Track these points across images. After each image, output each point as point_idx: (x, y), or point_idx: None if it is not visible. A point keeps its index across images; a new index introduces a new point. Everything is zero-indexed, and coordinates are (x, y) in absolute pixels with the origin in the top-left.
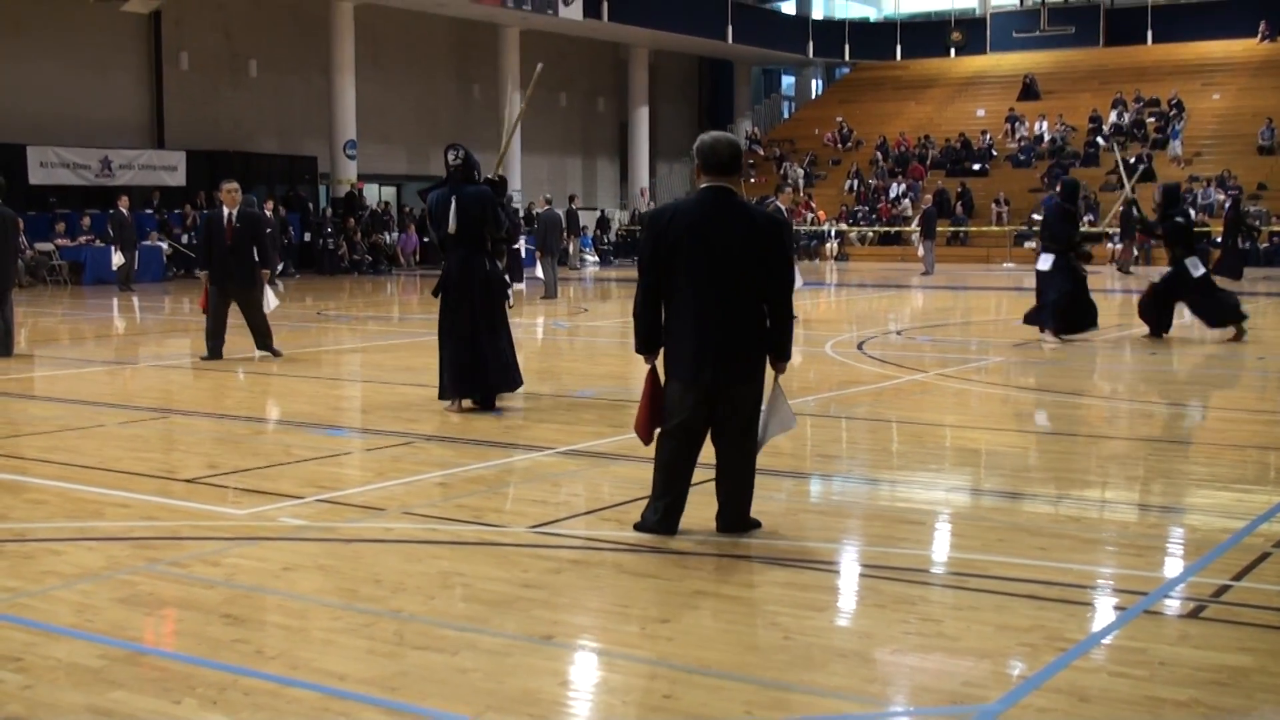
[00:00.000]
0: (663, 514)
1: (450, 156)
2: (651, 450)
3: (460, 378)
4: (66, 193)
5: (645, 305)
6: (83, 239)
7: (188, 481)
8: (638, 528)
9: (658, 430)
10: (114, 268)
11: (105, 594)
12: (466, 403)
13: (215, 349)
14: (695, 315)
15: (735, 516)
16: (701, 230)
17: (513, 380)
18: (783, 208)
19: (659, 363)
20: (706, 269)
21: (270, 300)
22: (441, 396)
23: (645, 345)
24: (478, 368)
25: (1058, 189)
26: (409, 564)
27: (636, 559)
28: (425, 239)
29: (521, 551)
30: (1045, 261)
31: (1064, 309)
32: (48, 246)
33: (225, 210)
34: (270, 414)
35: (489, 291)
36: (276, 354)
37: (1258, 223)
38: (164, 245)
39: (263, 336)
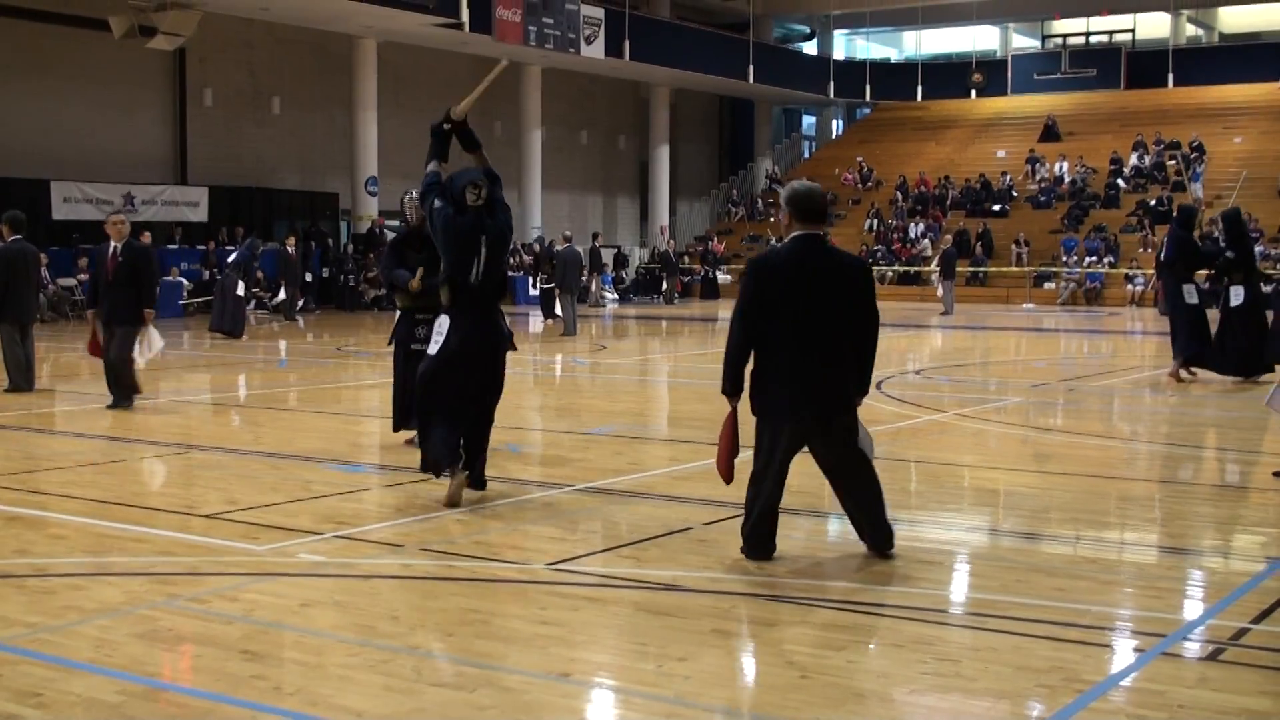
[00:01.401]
0: (764, 540)
1: (470, 196)
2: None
3: (450, 450)
4: (90, 228)
5: (742, 349)
6: None
7: (207, 517)
8: (746, 553)
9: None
10: None
11: (124, 629)
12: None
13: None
14: (793, 357)
15: (885, 532)
16: (801, 277)
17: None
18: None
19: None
20: (806, 313)
21: (155, 342)
22: (429, 468)
23: (736, 387)
24: (464, 444)
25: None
26: (427, 600)
27: (654, 597)
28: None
29: (539, 589)
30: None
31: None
32: (70, 281)
33: (111, 244)
34: (289, 450)
35: (500, 366)
36: (124, 405)
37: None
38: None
39: (118, 382)
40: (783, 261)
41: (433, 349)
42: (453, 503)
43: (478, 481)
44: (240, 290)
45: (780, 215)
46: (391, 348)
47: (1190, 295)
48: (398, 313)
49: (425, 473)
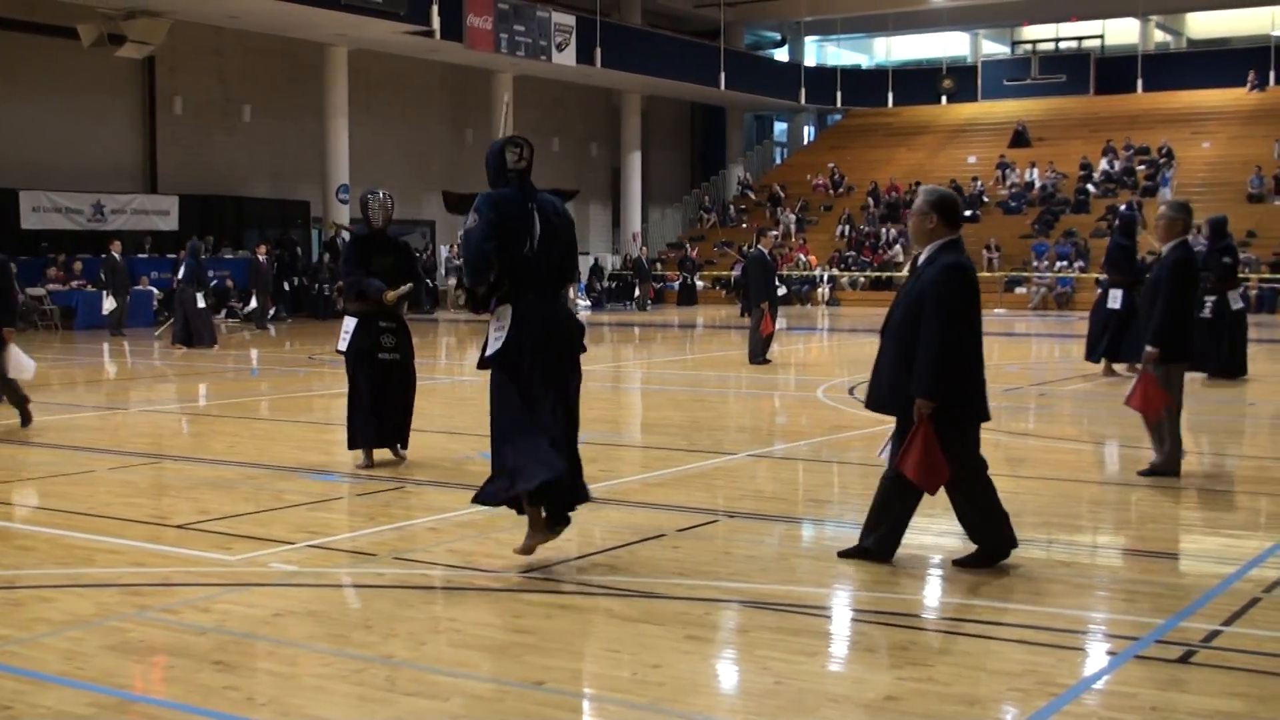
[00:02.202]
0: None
1: (511, 156)
2: (690, 492)
3: (553, 496)
4: (59, 237)
5: (959, 353)
6: (74, 283)
7: (178, 527)
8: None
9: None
10: (105, 312)
11: (95, 641)
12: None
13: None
14: (977, 359)
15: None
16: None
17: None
18: (765, 252)
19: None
20: (979, 315)
21: (23, 365)
22: (482, 500)
23: (948, 392)
24: (570, 477)
25: (1116, 223)
26: (400, 609)
27: (628, 604)
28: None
29: (513, 597)
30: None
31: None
32: (39, 291)
33: None
34: (261, 459)
35: (578, 361)
36: (25, 423)
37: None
38: None
39: (18, 400)
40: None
41: (494, 348)
42: (528, 550)
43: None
44: (201, 302)
45: (917, 220)
46: (342, 356)
47: (1114, 300)
48: (350, 319)
49: (499, 504)
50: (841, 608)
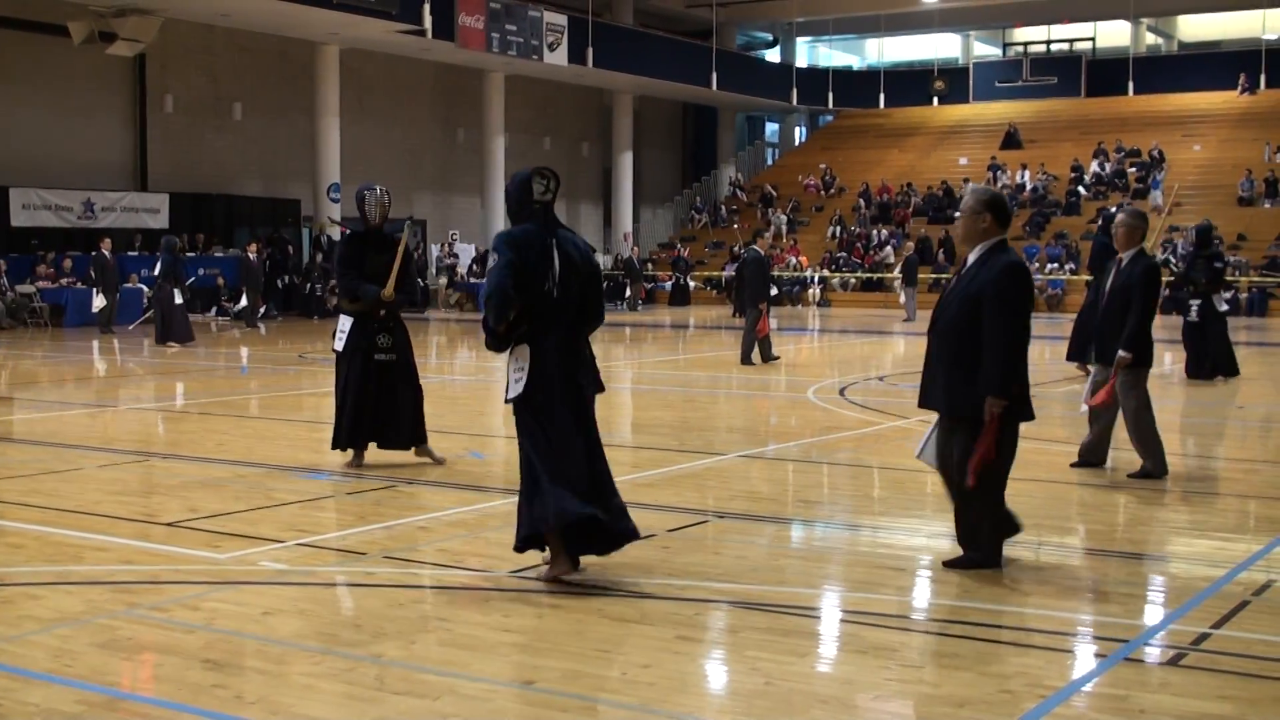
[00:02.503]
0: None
1: (538, 187)
2: (680, 492)
3: (574, 531)
4: (49, 234)
5: (1023, 352)
6: (64, 281)
7: (168, 525)
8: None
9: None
10: (95, 310)
11: (84, 639)
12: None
13: None
14: (1027, 360)
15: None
16: None
17: (634, 525)
18: (761, 252)
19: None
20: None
21: None
22: (520, 548)
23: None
24: (599, 509)
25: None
26: (390, 608)
27: (618, 604)
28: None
29: (503, 596)
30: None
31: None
32: (29, 288)
33: None
34: (251, 457)
35: (593, 396)
36: None
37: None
38: None
39: None
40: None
41: (515, 391)
42: (551, 580)
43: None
44: (179, 299)
45: (970, 220)
46: (334, 355)
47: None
48: (346, 318)
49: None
50: (831, 609)
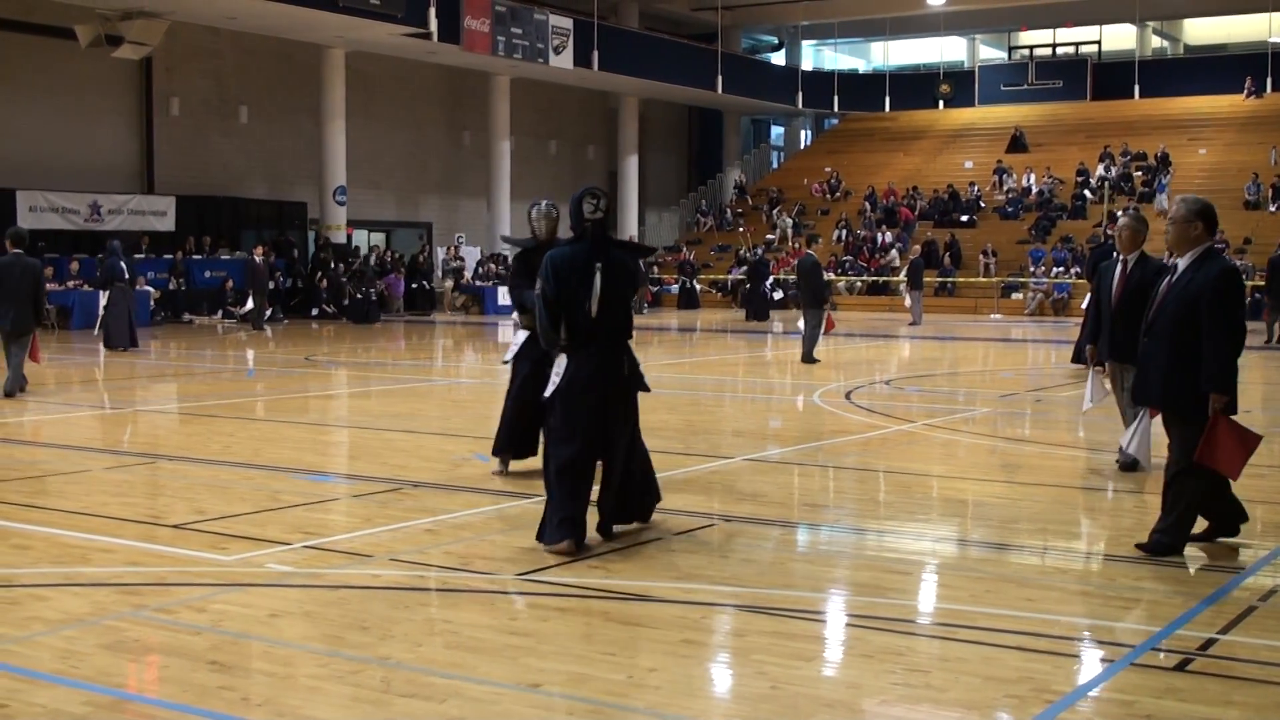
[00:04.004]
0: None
1: (588, 207)
2: (687, 496)
3: (565, 516)
4: (55, 237)
5: (1240, 351)
6: (71, 284)
7: (174, 527)
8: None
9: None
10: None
11: (90, 640)
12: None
13: None
14: None
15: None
16: None
17: (653, 502)
18: (815, 256)
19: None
20: None
21: None
22: (541, 538)
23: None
24: (623, 492)
25: None
26: (396, 611)
27: (624, 607)
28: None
29: (509, 599)
30: None
31: None
32: None
33: None
34: (257, 460)
35: (629, 401)
36: None
37: None
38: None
39: None
40: None
41: (549, 391)
42: (567, 552)
43: (637, 517)
44: (104, 301)
45: (1182, 228)
46: (508, 366)
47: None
48: (522, 332)
49: (540, 541)
50: (837, 613)
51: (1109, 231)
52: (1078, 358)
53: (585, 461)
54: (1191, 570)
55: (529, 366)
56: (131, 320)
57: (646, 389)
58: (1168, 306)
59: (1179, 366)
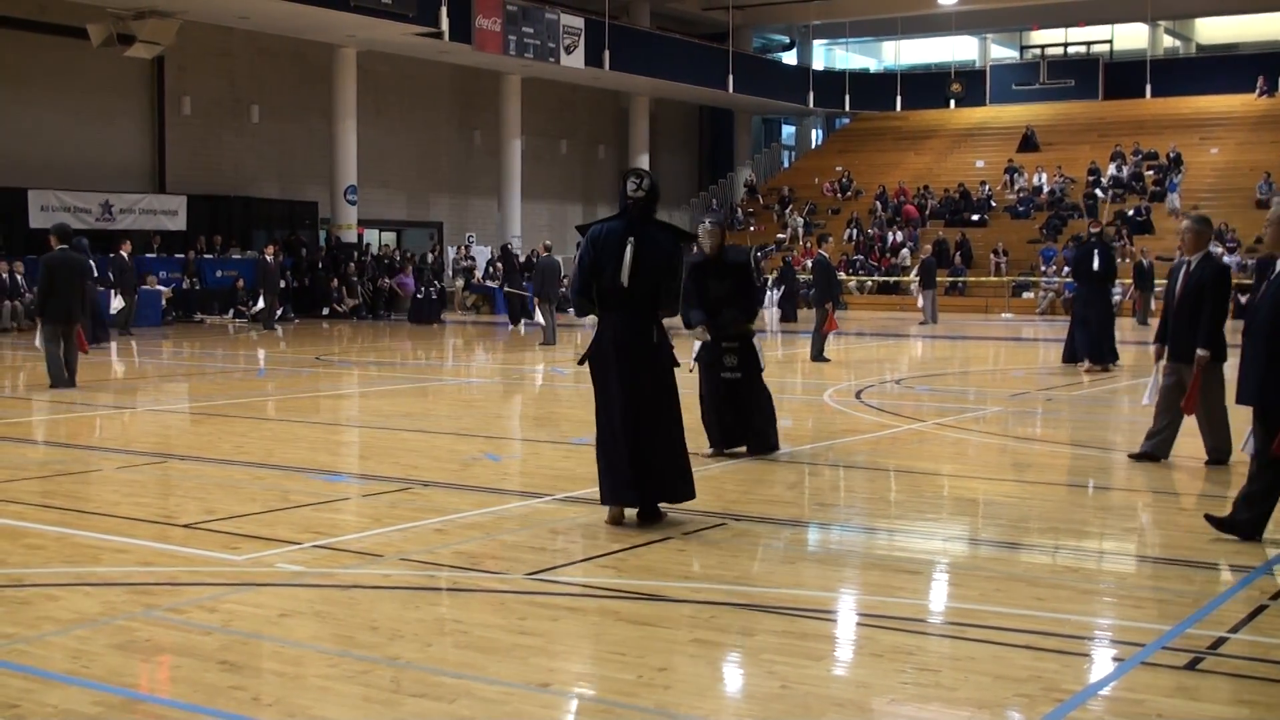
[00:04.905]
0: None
1: (630, 185)
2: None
3: (614, 479)
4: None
5: None
6: None
7: (185, 527)
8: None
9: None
10: (113, 311)
11: (102, 640)
12: (631, 512)
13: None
14: None
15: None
16: None
17: (684, 490)
18: (827, 256)
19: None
20: None
21: None
22: (603, 501)
23: None
24: (636, 467)
25: None
26: (406, 610)
27: (634, 606)
28: (561, 293)
29: (519, 598)
30: None
31: None
32: None
33: None
34: (269, 459)
35: (656, 368)
36: None
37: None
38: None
39: None
40: None
41: (582, 354)
42: (614, 520)
43: (678, 495)
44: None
45: (1277, 228)
46: (693, 370)
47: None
48: (696, 341)
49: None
50: (847, 612)
51: (1092, 230)
52: (1070, 358)
53: (622, 429)
54: (1202, 569)
55: (706, 373)
56: (98, 317)
57: (676, 364)
58: (1262, 307)
59: (1275, 368)
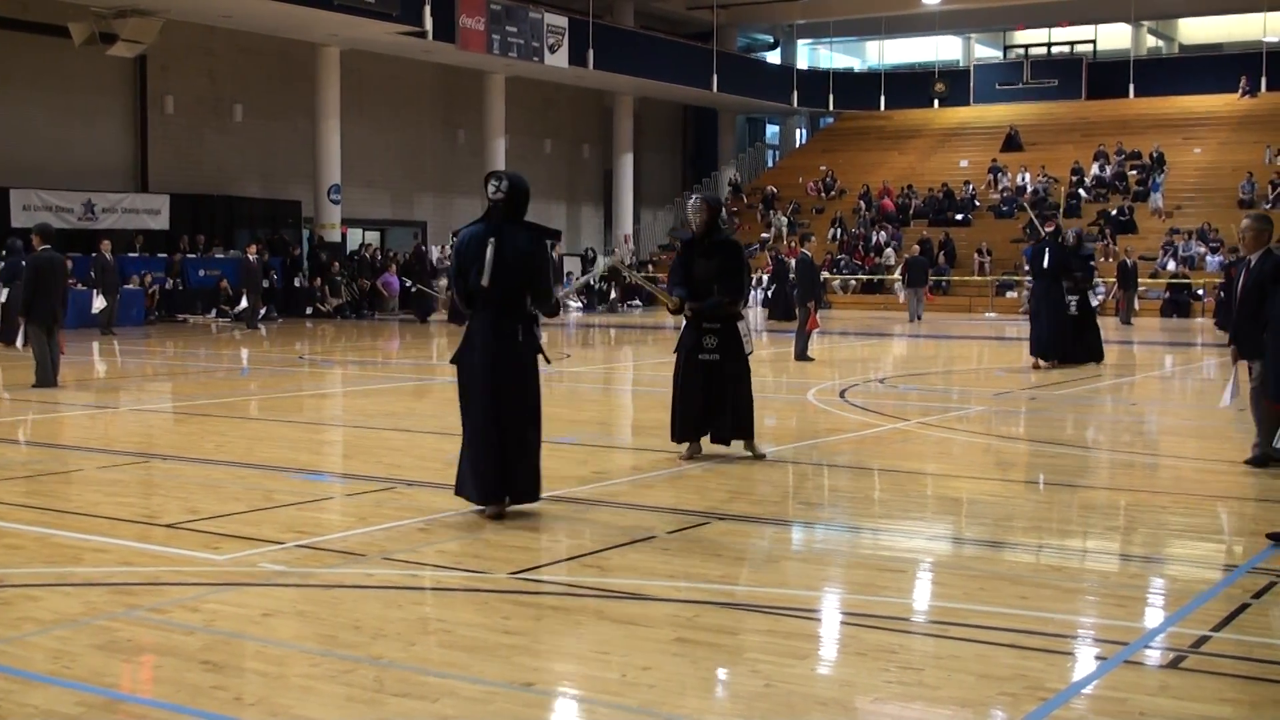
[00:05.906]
0: None
1: (491, 187)
2: (680, 494)
3: (478, 477)
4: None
5: None
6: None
7: (167, 526)
8: None
9: None
10: (95, 311)
11: (83, 640)
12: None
13: None
14: None
15: None
16: None
17: (534, 491)
18: (809, 255)
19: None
20: None
21: None
22: (477, 501)
23: None
24: (498, 464)
25: None
26: (389, 610)
27: (618, 605)
28: (446, 292)
29: (502, 598)
30: None
31: None
32: None
33: None
34: (251, 459)
35: (519, 368)
36: None
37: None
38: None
39: None
40: None
41: (451, 354)
42: (494, 516)
43: (522, 496)
44: (2, 297)
45: None
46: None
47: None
48: (684, 320)
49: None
50: (831, 611)
51: (1047, 229)
52: (1043, 353)
53: (482, 428)
54: (1185, 567)
55: (684, 357)
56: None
57: (548, 361)
58: None
59: None
